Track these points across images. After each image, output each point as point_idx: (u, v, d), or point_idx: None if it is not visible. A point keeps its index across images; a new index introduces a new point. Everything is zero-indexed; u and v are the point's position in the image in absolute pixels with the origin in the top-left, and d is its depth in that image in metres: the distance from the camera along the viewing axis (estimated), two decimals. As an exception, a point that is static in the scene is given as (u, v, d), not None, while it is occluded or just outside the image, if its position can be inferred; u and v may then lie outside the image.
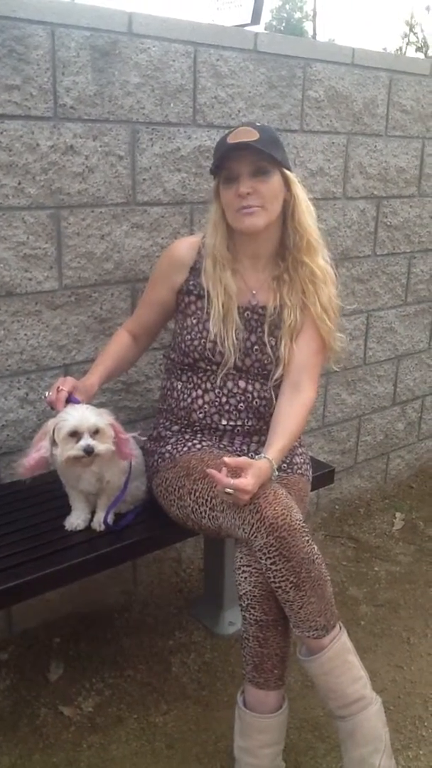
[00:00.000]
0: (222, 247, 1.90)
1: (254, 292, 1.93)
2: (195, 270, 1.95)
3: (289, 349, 1.90)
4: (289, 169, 1.87)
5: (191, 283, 1.96)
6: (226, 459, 1.67)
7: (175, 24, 2.17)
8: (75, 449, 1.70)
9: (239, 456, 1.90)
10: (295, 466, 2.00)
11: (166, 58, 2.17)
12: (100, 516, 1.89)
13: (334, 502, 3.23)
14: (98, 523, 1.88)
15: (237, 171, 1.80)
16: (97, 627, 2.36)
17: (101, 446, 1.72)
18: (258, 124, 1.85)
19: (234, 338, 1.89)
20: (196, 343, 1.91)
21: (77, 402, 1.81)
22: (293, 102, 2.53)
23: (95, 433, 1.72)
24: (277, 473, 1.76)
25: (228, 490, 1.63)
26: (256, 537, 1.66)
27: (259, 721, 1.71)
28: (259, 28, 4.40)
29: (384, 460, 3.43)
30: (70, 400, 1.81)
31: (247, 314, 1.92)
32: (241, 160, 1.79)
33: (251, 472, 1.66)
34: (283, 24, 49.14)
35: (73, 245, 2.12)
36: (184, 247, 2.01)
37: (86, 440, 1.70)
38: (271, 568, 1.65)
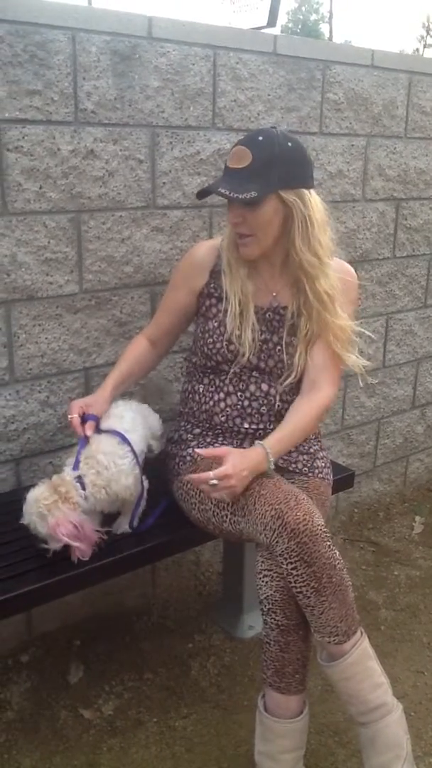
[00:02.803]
0: (236, 250, 1.88)
1: (275, 294, 1.92)
2: (215, 273, 1.95)
3: (303, 359, 1.88)
4: (289, 186, 1.74)
5: (212, 285, 1.95)
6: (198, 450, 1.73)
7: (195, 28, 2.18)
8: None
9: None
10: (317, 470, 1.99)
11: (186, 61, 2.17)
12: (120, 521, 1.89)
13: (354, 506, 3.22)
14: (117, 527, 1.88)
15: (231, 205, 1.79)
16: (116, 630, 2.37)
17: (54, 545, 1.70)
18: (260, 138, 1.73)
19: (250, 336, 1.87)
20: (218, 345, 1.91)
21: (94, 419, 1.83)
22: (312, 104, 2.52)
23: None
24: (272, 461, 1.77)
25: (212, 481, 1.66)
26: (277, 542, 1.65)
27: (281, 725, 1.70)
28: (276, 31, 4.40)
29: (403, 463, 3.41)
30: (85, 419, 1.83)
31: (269, 315, 1.91)
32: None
33: (230, 458, 1.69)
34: (299, 26, 49.17)
35: (94, 249, 2.13)
36: (204, 250, 2.01)
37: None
38: (292, 573, 1.64)
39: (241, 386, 1.93)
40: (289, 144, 1.75)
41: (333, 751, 1.93)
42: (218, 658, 2.27)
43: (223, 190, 1.71)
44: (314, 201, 1.80)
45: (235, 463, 1.70)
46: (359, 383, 2.23)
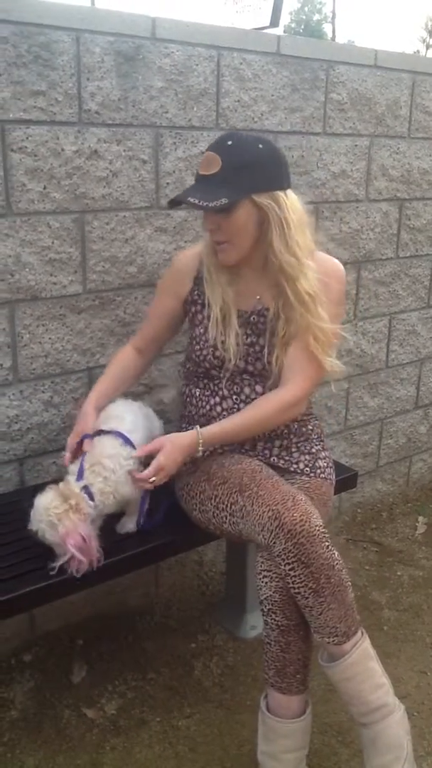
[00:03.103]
0: (214, 256, 1.86)
1: (258, 297, 1.90)
2: (198, 279, 1.94)
3: (280, 361, 1.86)
4: (263, 190, 1.71)
5: (196, 292, 1.95)
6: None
7: (198, 28, 2.18)
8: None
9: (259, 459, 1.92)
10: (318, 470, 1.99)
11: (190, 62, 2.17)
12: (124, 521, 1.90)
13: (356, 506, 3.22)
14: (121, 527, 1.89)
15: (206, 214, 1.77)
16: (119, 629, 2.37)
17: (59, 551, 1.69)
18: (229, 143, 1.69)
19: (234, 342, 1.87)
20: (204, 352, 1.91)
21: (88, 437, 1.82)
22: (316, 105, 2.52)
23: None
24: (201, 449, 1.80)
25: (152, 479, 1.74)
26: (275, 543, 1.66)
27: (283, 725, 1.70)
28: (278, 31, 4.40)
29: (406, 463, 3.41)
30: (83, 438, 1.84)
31: (254, 318, 1.89)
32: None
33: (162, 450, 1.76)
34: (302, 26, 49.14)
35: (97, 249, 2.13)
36: (187, 257, 2.00)
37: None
38: (290, 574, 1.65)
39: (235, 389, 1.92)
40: (260, 146, 1.72)
41: (336, 751, 1.94)
42: (221, 658, 2.27)
43: (192, 200, 1.68)
44: (290, 202, 1.76)
45: (167, 454, 1.76)
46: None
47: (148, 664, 2.22)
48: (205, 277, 1.91)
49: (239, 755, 1.91)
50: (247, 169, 1.69)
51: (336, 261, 1.92)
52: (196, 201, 1.67)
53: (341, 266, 1.91)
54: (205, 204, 1.67)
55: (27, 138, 1.93)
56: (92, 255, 2.13)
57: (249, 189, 1.70)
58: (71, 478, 1.76)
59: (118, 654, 2.26)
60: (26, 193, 1.96)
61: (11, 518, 1.95)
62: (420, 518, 3.19)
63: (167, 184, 2.22)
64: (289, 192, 1.77)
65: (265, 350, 1.88)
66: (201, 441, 1.80)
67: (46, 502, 1.70)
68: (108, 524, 1.86)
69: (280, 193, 1.74)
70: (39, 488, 2.07)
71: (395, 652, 2.32)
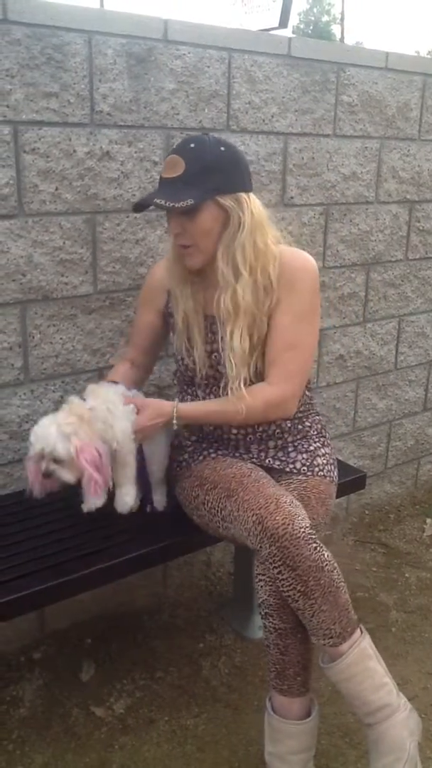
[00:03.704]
0: (179, 262, 1.85)
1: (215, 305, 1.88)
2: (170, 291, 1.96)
3: (231, 367, 1.82)
4: (227, 192, 1.72)
5: (169, 305, 1.97)
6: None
7: (210, 30, 2.19)
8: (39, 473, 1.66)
9: (255, 463, 1.93)
10: (316, 468, 1.97)
11: (201, 64, 2.18)
12: (119, 494, 1.86)
13: (364, 507, 3.22)
14: (120, 504, 1.86)
15: (169, 216, 1.77)
16: (127, 628, 2.38)
17: (65, 474, 1.66)
18: (192, 145, 1.70)
19: (202, 350, 1.87)
20: (179, 363, 1.95)
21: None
22: (326, 107, 2.53)
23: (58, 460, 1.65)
24: (175, 423, 1.84)
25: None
26: (261, 547, 1.66)
27: (288, 726, 1.70)
28: (287, 32, 4.41)
29: (414, 465, 3.41)
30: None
31: (215, 327, 1.88)
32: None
33: (144, 413, 1.82)
34: (311, 27, 49.08)
35: (108, 250, 2.14)
36: (160, 270, 2.00)
37: (45, 466, 1.65)
38: (278, 578, 1.64)
39: (223, 393, 1.90)
40: (222, 149, 1.72)
41: (343, 752, 1.94)
42: (229, 657, 2.28)
43: (159, 200, 1.68)
44: (252, 205, 1.76)
45: (148, 415, 1.82)
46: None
47: (156, 663, 2.23)
48: (171, 289, 1.92)
49: (247, 755, 1.92)
50: (210, 172, 1.70)
51: (305, 255, 1.87)
52: (162, 202, 1.68)
53: (310, 260, 1.87)
54: (171, 204, 1.67)
55: (39, 139, 1.94)
56: (103, 256, 2.14)
57: (213, 190, 1.71)
58: (76, 399, 1.74)
59: (126, 653, 2.27)
60: (38, 194, 1.98)
61: (22, 516, 1.97)
62: (428, 520, 3.18)
63: (178, 185, 2.23)
64: (252, 195, 1.78)
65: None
66: (175, 414, 1.83)
67: (58, 418, 1.65)
68: (114, 524, 1.87)
69: (243, 195, 1.75)
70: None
71: (403, 653, 2.32)
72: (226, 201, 1.72)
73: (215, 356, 1.88)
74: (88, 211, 2.08)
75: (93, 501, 1.77)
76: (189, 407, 1.87)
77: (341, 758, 1.92)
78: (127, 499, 1.87)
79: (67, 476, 1.66)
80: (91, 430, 1.67)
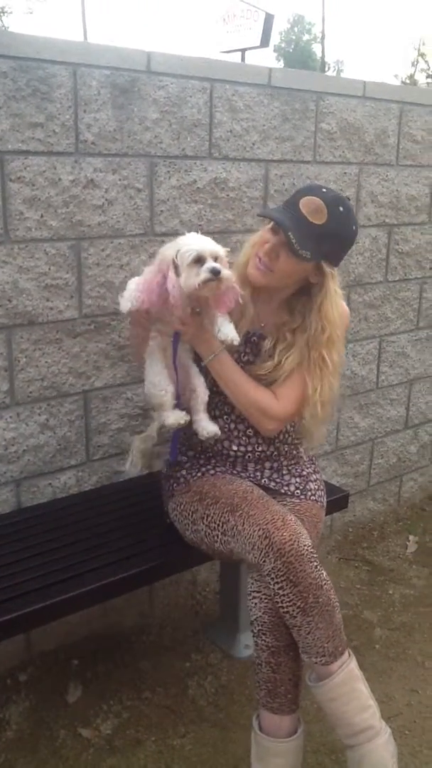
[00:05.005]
0: (250, 267, 1.89)
1: (263, 324, 1.96)
2: None
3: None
4: (332, 263, 1.85)
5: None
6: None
7: (192, 61, 2.25)
8: (203, 272, 1.70)
9: (251, 481, 1.96)
10: (309, 492, 2.03)
11: (184, 94, 2.24)
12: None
13: (348, 525, 3.25)
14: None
15: (279, 231, 1.81)
16: (114, 649, 2.39)
17: (226, 271, 1.73)
18: (341, 209, 1.80)
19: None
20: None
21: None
22: (306, 134, 2.59)
23: (215, 259, 1.73)
24: (211, 358, 1.88)
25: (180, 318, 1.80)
26: (264, 562, 1.69)
27: (275, 745, 1.73)
28: (268, 50, 4.52)
29: (397, 482, 3.45)
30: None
31: (254, 338, 1.96)
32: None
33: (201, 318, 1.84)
34: (292, 46, 49.67)
35: (93, 275, 2.18)
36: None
37: (210, 263, 1.71)
38: (278, 593, 1.68)
39: (226, 409, 1.97)
40: (354, 228, 1.86)
41: (328, 770, 1.96)
42: (215, 677, 2.30)
43: (291, 235, 1.75)
44: (336, 278, 1.89)
45: (200, 324, 1.84)
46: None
47: (143, 684, 2.24)
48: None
49: (233, 774, 1.93)
50: (336, 241, 1.83)
51: (344, 305, 1.99)
52: (293, 239, 1.75)
53: (347, 310, 2.01)
54: (297, 247, 1.75)
55: (25, 168, 1.98)
56: (88, 281, 2.18)
57: (326, 256, 1.83)
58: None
59: (113, 674, 2.28)
60: (24, 221, 2.01)
61: (9, 540, 1.98)
62: (411, 537, 3.22)
63: (161, 212, 2.28)
64: (335, 270, 1.89)
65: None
66: (213, 355, 1.87)
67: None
68: (101, 545, 1.89)
69: (335, 269, 1.87)
70: (36, 508, 2.12)
71: (387, 670, 2.34)
72: (326, 268, 1.84)
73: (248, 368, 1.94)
74: (73, 237, 2.12)
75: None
76: (230, 362, 1.90)
77: (326, 776, 1.94)
78: (211, 428, 1.92)
79: (227, 272, 1.73)
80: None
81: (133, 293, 1.78)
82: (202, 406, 1.92)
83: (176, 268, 1.73)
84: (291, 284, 1.90)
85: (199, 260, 1.72)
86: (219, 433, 1.92)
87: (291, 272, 1.85)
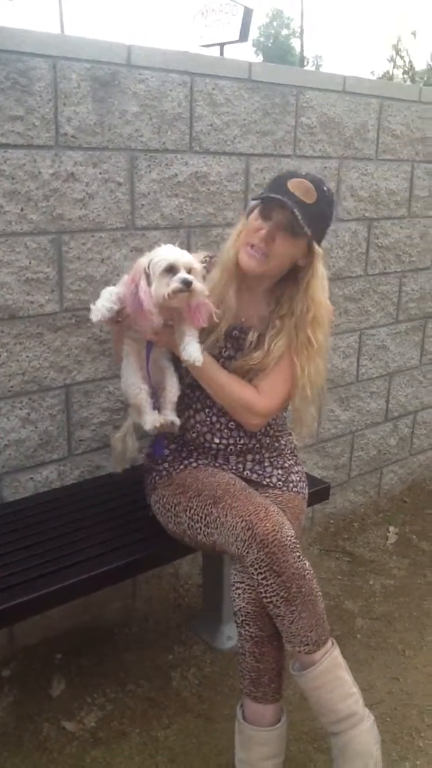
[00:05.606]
0: (235, 260, 1.90)
1: (244, 318, 1.97)
2: None
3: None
4: (318, 242, 1.88)
5: None
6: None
7: (172, 55, 2.25)
8: (173, 282, 1.71)
9: (233, 473, 1.98)
10: (291, 484, 2.05)
11: (164, 87, 2.24)
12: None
13: (329, 517, 3.28)
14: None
15: (272, 215, 1.82)
16: (97, 642, 2.40)
17: (199, 283, 1.75)
18: (325, 189, 1.85)
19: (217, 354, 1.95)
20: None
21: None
22: (286, 128, 2.60)
23: (189, 271, 1.75)
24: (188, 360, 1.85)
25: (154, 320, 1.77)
26: (248, 552, 1.71)
27: (259, 734, 1.75)
28: (247, 45, 4.53)
29: (377, 474, 3.49)
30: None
31: (235, 333, 1.97)
32: (283, 209, 1.79)
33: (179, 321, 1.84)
34: (271, 41, 49.57)
35: (74, 269, 2.18)
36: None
37: (183, 274, 1.72)
38: (262, 583, 1.70)
39: (208, 402, 1.98)
40: (333, 212, 1.93)
41: (312, 758, 1.98)
42: (198, 668, 2.31)
43: (297, 212, 1.76)
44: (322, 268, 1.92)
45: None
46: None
47: (126, 676, 2.25)
48: (212, 278, 1.95)
49: (218, 765, 1.95)
50: (323, 219, 1.89)
51: (329, 303, 2.00)
52: (300, 216, 1.77)
53: (332, 307, 2.03)
54: (302, 224, 1.77)
55: (5, 161, 1.97)
56: (69, 274, 2.17)
57: (317, 236, 1.86)
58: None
59: (96, 667, 2.29)
60: (3, 215, 2.00)
61: (-9, 534, 1.98)
62: (391, 528, 3.26)
63: (142, 205, 2.28)
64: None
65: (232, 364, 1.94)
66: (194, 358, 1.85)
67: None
68: (83, 539, 1.90)
69: (321, 250, 1.89)
70: (18, 503, 2.11)
71: (368, 659, 2.37)
72: (316, 248, 1.87)
73: (230, 363, 1.95)
74: (53, 231, 2.11)
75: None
76: (211, 360, 1.91)
77: (310, 764, 1.97)
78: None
79: (198, 284, 1.74)
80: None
81: (105, 304, 1.79)
82: (170, 405, 1.93)
83: (148, 277, 1.74)
84: (284, 269, 1.91)
85: (171, 270, 1.73)
86: (177, 423, 1.92)
87: (286, 255, 1.86)
